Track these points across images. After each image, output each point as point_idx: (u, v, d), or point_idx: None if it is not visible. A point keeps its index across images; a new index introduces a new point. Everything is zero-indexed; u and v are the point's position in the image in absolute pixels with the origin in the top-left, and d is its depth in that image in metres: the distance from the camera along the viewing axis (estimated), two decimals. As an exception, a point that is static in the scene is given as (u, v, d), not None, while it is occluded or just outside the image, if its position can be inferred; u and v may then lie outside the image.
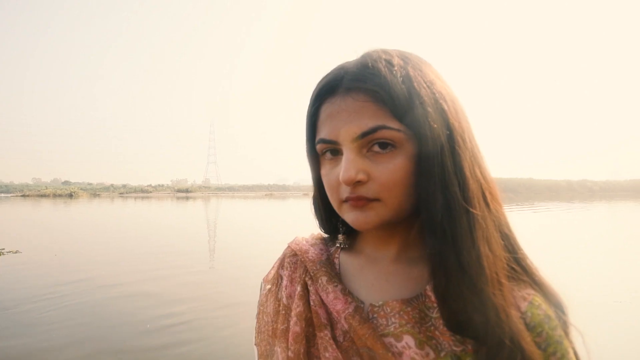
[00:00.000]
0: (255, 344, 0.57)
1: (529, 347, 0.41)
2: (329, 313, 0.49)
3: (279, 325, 0.52)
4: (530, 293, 0.45)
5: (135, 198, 51.26)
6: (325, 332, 0.47)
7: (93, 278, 5.99)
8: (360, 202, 0.45)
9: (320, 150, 0.48)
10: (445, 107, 0.45)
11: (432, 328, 0.45)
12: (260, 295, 0.59)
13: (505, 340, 0.40)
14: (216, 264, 7.60)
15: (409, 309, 0.46)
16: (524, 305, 0.44)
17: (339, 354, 0.45)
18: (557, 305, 0.46)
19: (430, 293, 0.46)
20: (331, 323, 0.49)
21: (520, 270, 0.46)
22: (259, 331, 0.56)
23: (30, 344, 3.50)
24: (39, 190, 69.58)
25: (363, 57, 0.47)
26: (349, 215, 0.46)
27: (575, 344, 0.44)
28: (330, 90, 0.46)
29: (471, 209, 0.43)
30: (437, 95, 0.45)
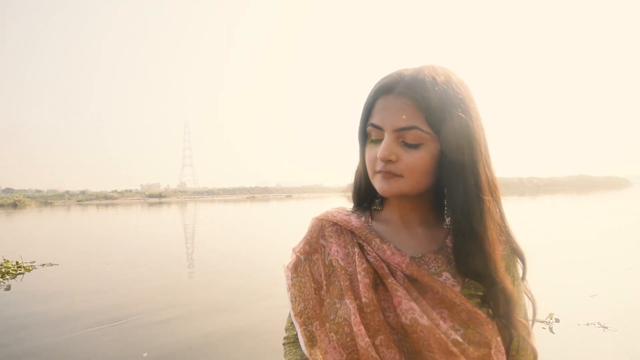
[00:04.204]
0: (295, 314, 0.66)
1: (510, 286, 0.60)
2: (387, 265, 0.63)
3: (339, 284, 0.64)
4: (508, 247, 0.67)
5: (98, 206, 44.69)
6: (391, 279, 0.61)
7: (177, 285, 5.62)
8: (388, 175, 0.61)
9: (369, 132, 0.63)
10: (470, 122, 0.60)
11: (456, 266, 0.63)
12: (296, 266, 0.69)
13: (497, 282, 0.59)
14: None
15: (440, 256, 0.64)
16: (503, 249, 0.66)
17: (406, 292, 0.60)
18: (521, 258, 0.67)
19: (449, 244, 0.64)
20: (391, 272, 0.63)
21: (506, 235, 0.67)
22: (302, 299, 0.66)
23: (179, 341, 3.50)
24: (-28, 200, 59.30)
25: (417, 70, 0.61)
26: (378, 184, 0.62)
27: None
28: (388, 89, 0.61)
29: (482, 195, 0.60)
30: (464, 112, 0.59)
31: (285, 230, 12.30)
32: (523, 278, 0.67)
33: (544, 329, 3.55)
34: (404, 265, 0.62)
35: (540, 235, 9.30)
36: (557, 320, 3.70)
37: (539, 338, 0.66)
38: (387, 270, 0.63)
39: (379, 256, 0.64)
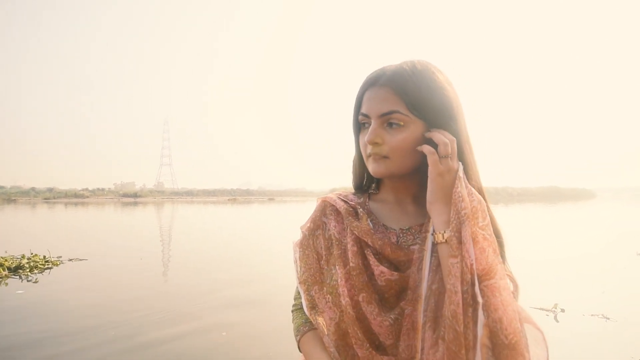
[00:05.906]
0: (300, 282, 0.75)
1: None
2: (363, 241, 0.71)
3: (334, 253, 0.72)
4: None
5: (67, 204, 42.50)
6: (368, 250, 0.70)
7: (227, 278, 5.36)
8: (377, 157, 0.68)
9: (360, 120, 0.70)
10: (445, 105, 0.66)
11: None
12: (301, 242, 0.78)
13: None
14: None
15: (425, 228, 0.69)
16: None
17: (376, 260, 0.69)
18: (497, 235, 0.67)
19: None
20: (368, 245, 0.70)
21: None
22: (306, 268, 0.75)
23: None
24: None
25: (398, 64, 0.68)
26: (370, 166, 0.69)
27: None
28: (373, 82, 0.68)
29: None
30: (441, 96, 0.66)
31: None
32: (503, 258, 0.67)
33: (548, 315, 3.64)
34: (370, 241, 0.70)
35: (526, 242, 9.48)
36: (562, 310, 3.75)
37: (543, 325, 0.65)
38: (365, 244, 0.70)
39: (356, 235, 0.71)
